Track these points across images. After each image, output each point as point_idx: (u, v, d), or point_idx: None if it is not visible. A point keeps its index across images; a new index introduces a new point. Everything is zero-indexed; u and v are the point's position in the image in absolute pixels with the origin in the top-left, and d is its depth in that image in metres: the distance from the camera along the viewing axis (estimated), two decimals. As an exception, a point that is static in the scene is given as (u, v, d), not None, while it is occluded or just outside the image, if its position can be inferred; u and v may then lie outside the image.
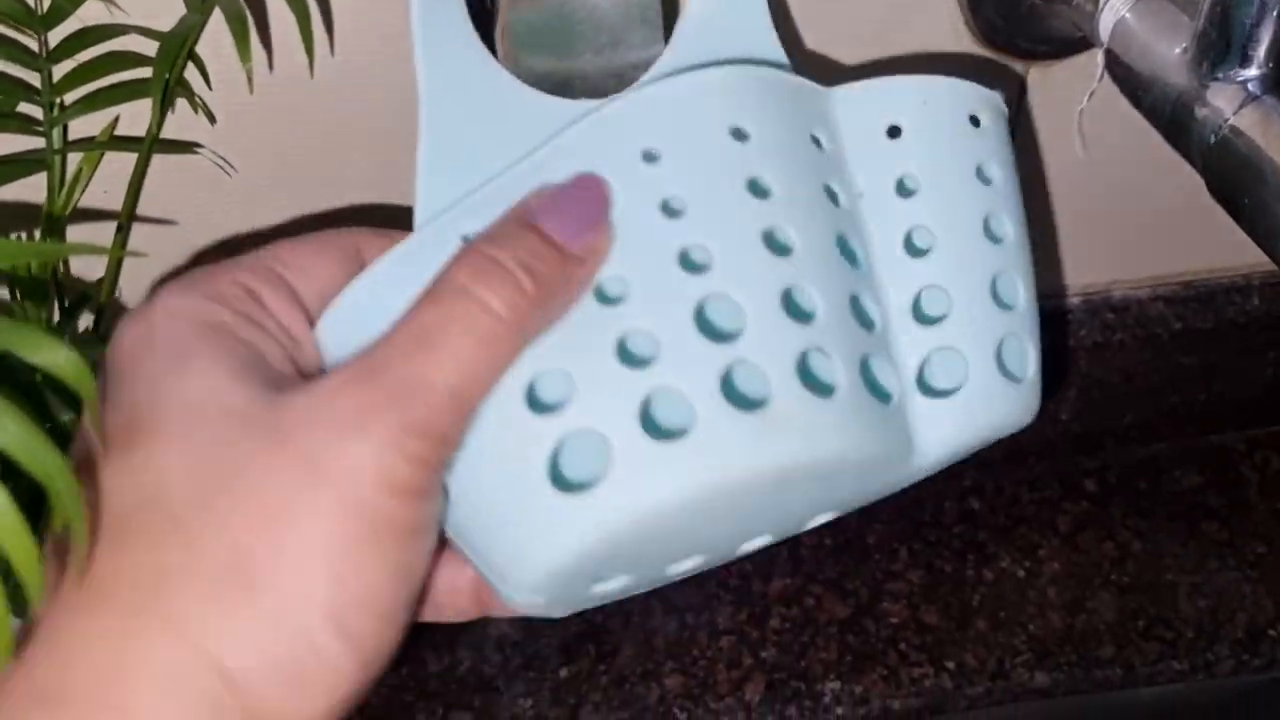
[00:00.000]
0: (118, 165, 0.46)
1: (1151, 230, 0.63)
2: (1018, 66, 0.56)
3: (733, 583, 0.63)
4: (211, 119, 0.48)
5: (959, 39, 0.55)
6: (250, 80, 0.39)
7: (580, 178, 0.32)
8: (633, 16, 0.38)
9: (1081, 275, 0.64)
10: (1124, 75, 0.48)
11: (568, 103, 0.40)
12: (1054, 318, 0.64)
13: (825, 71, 0.53)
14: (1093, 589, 0.63)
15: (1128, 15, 0.48)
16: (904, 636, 0.61)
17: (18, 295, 0.44)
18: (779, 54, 0.38)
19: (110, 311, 0.46)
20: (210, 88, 0.46)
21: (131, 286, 0.50)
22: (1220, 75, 0.43)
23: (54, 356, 0.27)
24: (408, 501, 0.28)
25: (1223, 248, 0.63)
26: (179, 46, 0.39)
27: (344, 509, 0.27)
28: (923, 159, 0.36)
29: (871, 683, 0.59)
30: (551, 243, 0.30)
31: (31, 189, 0.45)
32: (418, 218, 0.37)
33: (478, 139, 0.40)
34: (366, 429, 0.27)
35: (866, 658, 0.60)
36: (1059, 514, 0.66)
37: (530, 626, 0.60)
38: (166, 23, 0.44)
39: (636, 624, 0.61)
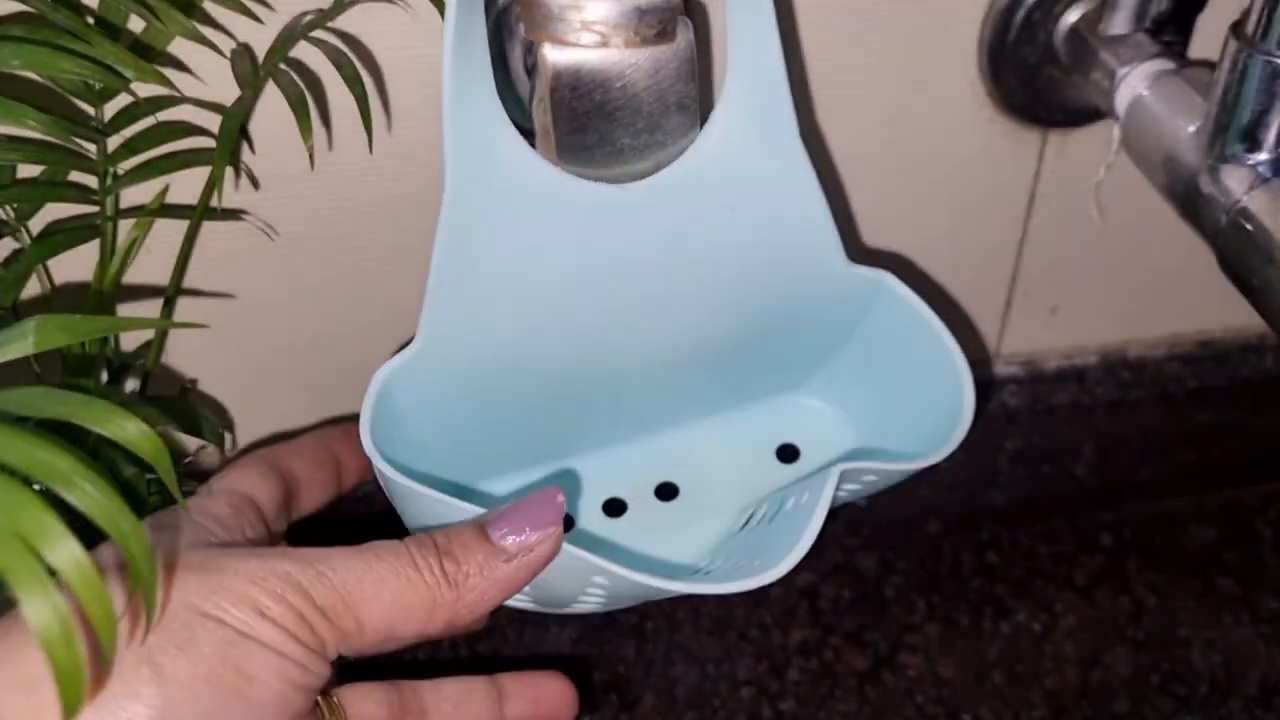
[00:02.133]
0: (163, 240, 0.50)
1: (1167, 290, 0.66)
2: (1035, 134, 0.59)
3: (752, 634, 0.65)
4: (255, 185, 0.51)
5: (979, 107, 0.58)
6: (311, 158, 0.42)
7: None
8: (670, 104, 0.41)
9: (1098, 334, 0.67)
10: (1139, 151, 0.51)
11: (595, 187, 0.44)
12: (1070, 376, 0.67)
13: (842, 141, 0.57)
14: (1108, 644, 0.66)
15: (1145, 93, 0.51)
16: (921, 690, 0.63)
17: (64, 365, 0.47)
18: (797, 147, 0.42)
19: (155, 374, 0.49)
20: (253, 151, 0.50)
21: (178, 349, 0.54)
22: (1231, 157, 0.46)
23: (127, 430, 0.30)
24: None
25: (1237, 308, 0.66)
26: (238, 124, 0.42)
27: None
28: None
29: (889, 735, 0.62)
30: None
31: (78, 263, 0.48)
32: (429, 285, 0.41)
33: (496, 211, 0.43)
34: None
35: (885, 710, 0.63)
36: (1075, 568, 0.69)
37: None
38: (212, 93, 0.47)
39: (658, 674, 0.63)
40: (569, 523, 0.57)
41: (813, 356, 0.57)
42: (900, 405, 0.55)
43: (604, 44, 0.26)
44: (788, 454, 0.59)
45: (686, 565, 0.56)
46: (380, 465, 0.44)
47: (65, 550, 0.24)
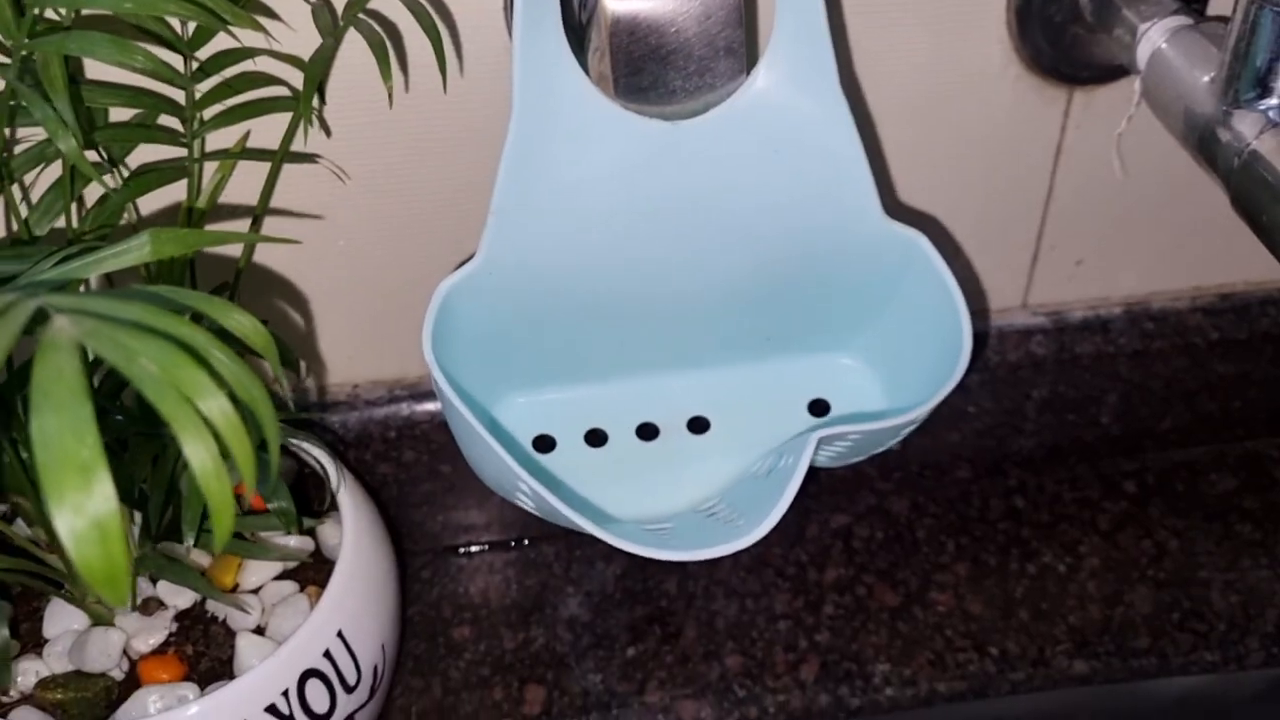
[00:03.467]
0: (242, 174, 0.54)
1: (1190, 244, 0.69)
2: (1062, 92, 0.62)
3: (790, 571, 0.69)
4: (327, 132, 0.55)
5: (1006, 64, 0.61)
6: (390, 97, 0.46)
7: None
8: (719, 48, 0.45)
9: (1122, 286, 0.70)
10: (1158, 101, 0.55)
11: (648, 121, 0.48)
12: (1095, 326, 0.70)
13: (873, 96, 0.60)
14: (1130, 583, 0.69)
15: (1163, 46, 0.55)
16: (950, 624, 0.67)
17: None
18: (838, 95, 0.46)
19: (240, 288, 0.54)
20: (323, 102, 0.54)
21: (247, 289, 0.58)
22: (1243, 103, 0.50)
23: (242, 323, 0.35)
24: None
25: (1258, 262, 0.70)
26: (320, 71, 0.47)
27: None
28: None
29: (919, 666, 0.66)
30: None
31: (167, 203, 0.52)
32: (493, 205, 0.45)
33: (556, 140, 0.48)
34: None
35: (915, 643, 0.67)
36: (1099, 513, 0.73)
37: (599, 609, 0.67)
38: (293, 39, 0.51)
39: (699, 607, 0.68)
40: (602, 437, 0.61)
41: (850, 316, 0.60)
42: (919, 368, 0.58)
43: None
44: (819, 408, 0.63)
45: (695, 499, 0.60)
46: (437, 376, 0.48)
47: (215, 401, 0.28)
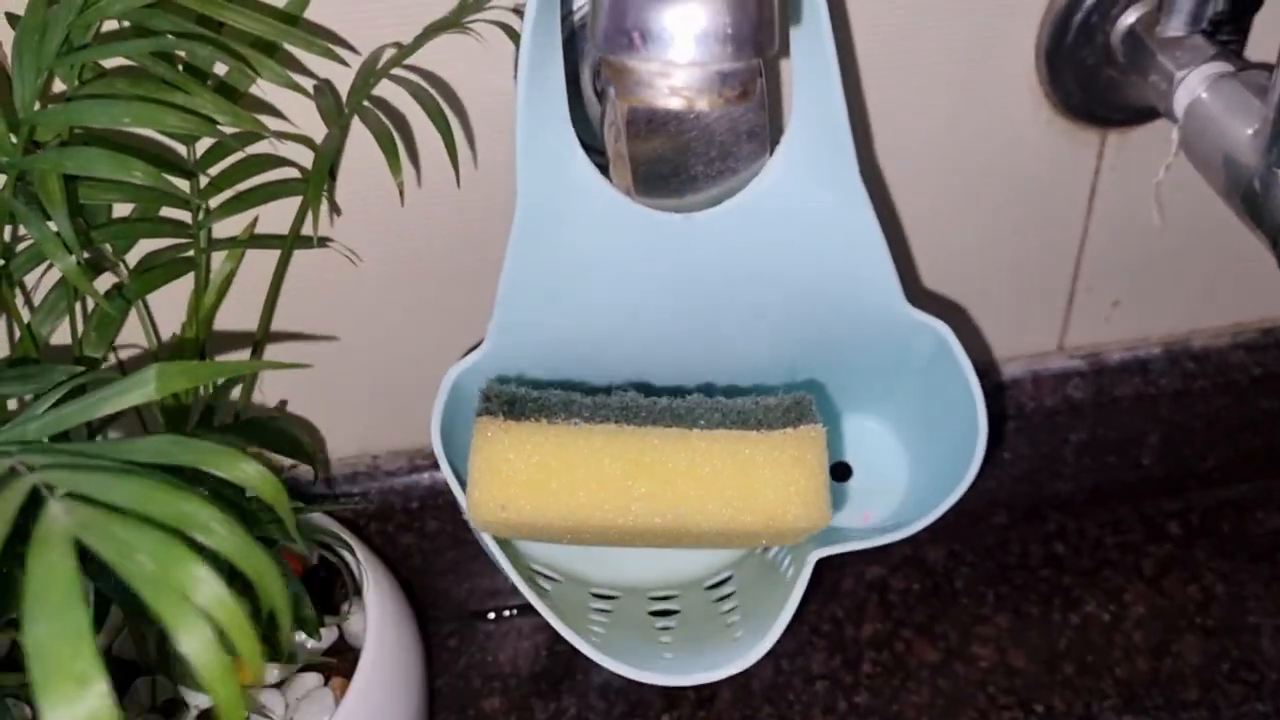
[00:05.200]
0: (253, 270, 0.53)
1: (1230, 280, 0.68)
2: (1094, 134, 0.61)
3: (824, 628, 0.68)
4: (337, 211, 0.54)
5: (1037, 108, 0.60)
6: (401, 193, 0.45)
7: None
8: (741, 132, 0.43)
9: (1161, 325, 0.69)
10: (1198, 153, 0.53)
11: (654, 213, 0.47)
12: (1134, 368, 0.68)
13: (902, 140, 0.59)
14: (1178, 632, 0.68)
15: (1203, 96, 0.53)
16: (993, 680, 0.66)
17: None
18: (857, 186, 0.44)
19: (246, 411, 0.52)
20: (334, 182, 0.53)
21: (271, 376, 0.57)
22: (1290, 161, 0.48)
23: (249, 474, 0.33)
24: None
25: (1301, 295, 0.68)
26: (329, 160, 0.45)
27: None
28: None
29: (962, 726, 0.64)
30: None
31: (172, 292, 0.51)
32: (498, 294, 0.44)
33: (562, 230, 0.47)
34: None
35: (958, 701, 0.65)
36: (1143, 557, 0.71)
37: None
38: (298, 130, 0.50)
39: (734, 671, 0.66)
40: None
41: (872, 392, 0.59)
42: (943, 441, 0.57)
43: (690, 106, 0.29)
44: (841, 472, 0.61)
45: (709, 568, 0.60)
46: (445, 468, 0.48)
47: (214, 594, 0.27)
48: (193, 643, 0.27)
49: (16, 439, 0.34)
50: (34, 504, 0.28)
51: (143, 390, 0.35)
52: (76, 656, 0.25)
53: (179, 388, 0.35)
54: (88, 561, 0.28)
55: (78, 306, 0.48)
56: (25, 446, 0.32)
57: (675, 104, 0.28)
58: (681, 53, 0.28)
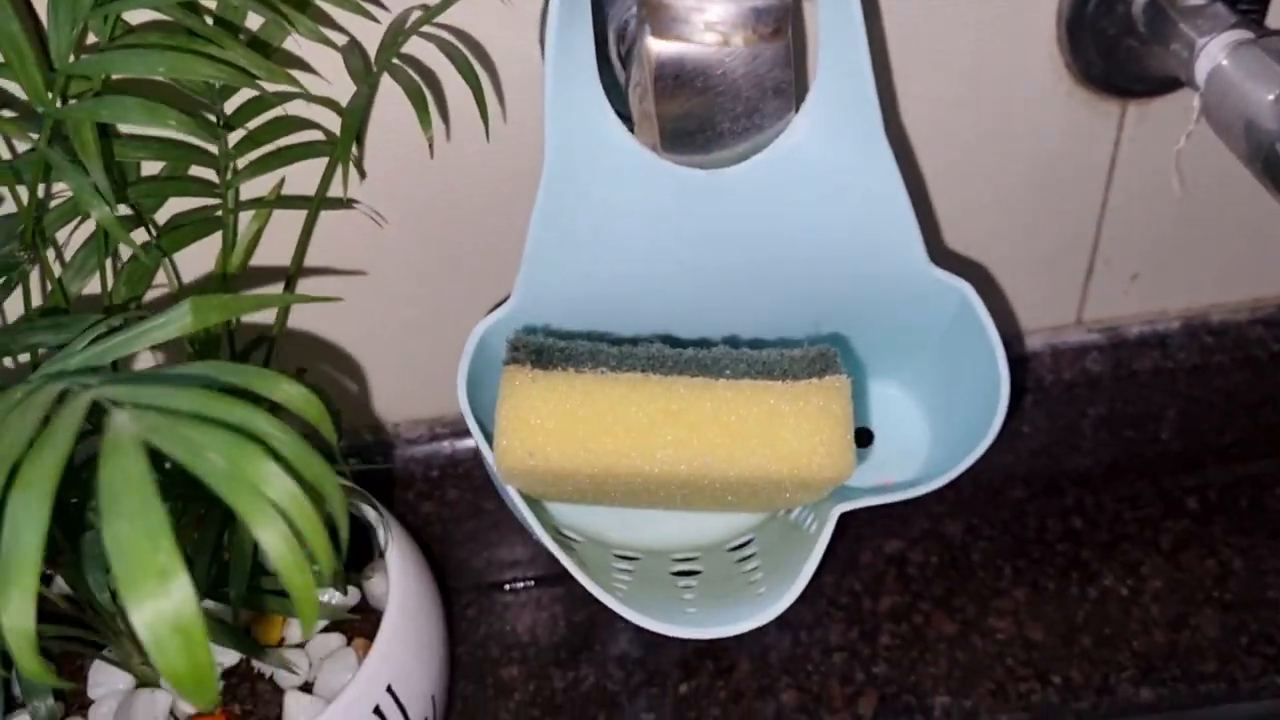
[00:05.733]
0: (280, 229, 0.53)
1: (1250, 254, 0.68)
2: (1114, 105, 0.61)
3: (843, 600, 0.68)
4: (363, 174, 0.54)
5: (1058, 79, 0.60)
6: (431, 147, 0.46)
7: None
8: (767, 88, 0.44)
9: (1180, 299, 0.69)
10: (1219, 120, 0.54)
11: (681, 170, 0.47)
12: (1153, 341, 0.69)
13: (921, 111, 0.59)
14: (1195, 605, 0.68)
15: (1224, 62, 0.53)
16: (1011, 652, 0.66)
17: (192, 347, 0.51)
18: (882, 144, 0.45)
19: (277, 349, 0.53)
20: (362, 144, 0.53)
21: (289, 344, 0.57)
22: (1311, 124, 0.49)
23: (292, 394, 0.34)
24: None
25: (1320, 270, 0.69)
26: (358, 119, 0.46)
27: None
28: None
29: (981, 697, 0.65)
30: None
31: (201, 252, 0.52)
32: (526, 251, 0.45)
33: (589, 188, 0.47)
34: None
35: (975, 673, 0.66)
36: (1161, 532, 0.71)
37: (651, 644, 0.66)
38: (326, 88, 0.51)
39: (752, 641, 0.67)
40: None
41: (894, 353, 0.59)
42: (964, 408, 0.57)
43: (725, 43, 0.29)
44: (862, 438, 0.62)
45: (732, 530, 0.60)
46: (471, 422, 0.48)
47: (285, 489, 0.28)
48: (268, 534, 0.28)
49: (60, 370, 0.34)
50: (95, 419, 0.29)
51: (180, 323, 0.35)
52: (157, 551, 0.26)
53: (215, 320, 0.35)
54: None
55: (108, 264, 0.49)
56: (73, 376, 0.33)
57: (710, 39, 0.29)
58: (717, -13, 0.29)
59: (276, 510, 0.28)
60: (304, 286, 0.56)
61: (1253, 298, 0.70)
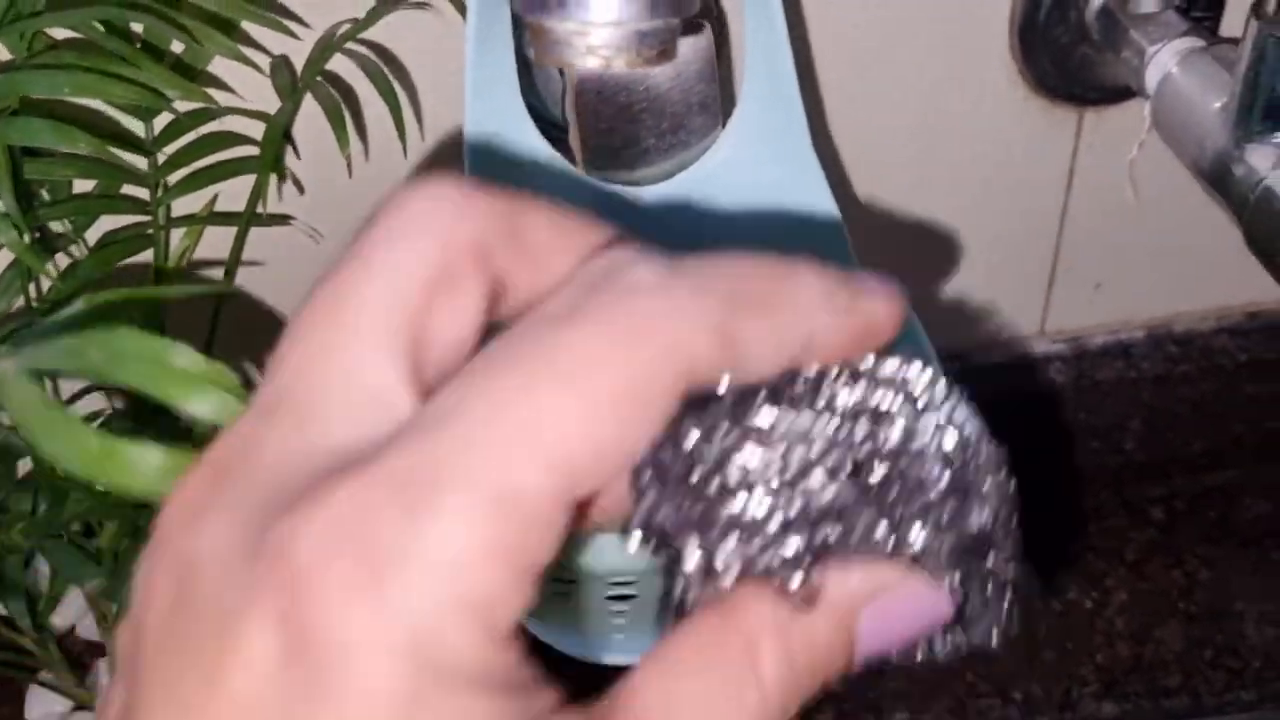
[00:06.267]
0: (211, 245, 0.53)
1: (1214, 262, 0.67)
2: (1071, 113, 0.60)
3: (802, 615, 0.68)
4: (300, 189, 0.54)
5: (1012, 87, 0.59)
6: (349, 165, 0.45)
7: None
8: (692, 103, 0.43)
9: (1144, 308, 0.68)
10: (1168, 128, 0.53)
11: (607, 186, 0.47)
12: (1116, 351, 0.68)
13: (873, 120, 0.59)
14: (1160, 618, 0.67)
15: (1174, 70, 0.53)
16: (971, 667, 0.66)
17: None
18: (810, 157, 0.44)
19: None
20: (299, 157, 0.53)
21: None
22: (1256, 135, 0.48)
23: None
24: None
25: (1286, 278, 0.68)
26: (279, 133, 0.45)
27: None
28: None
29: (939, 714, 0.64)
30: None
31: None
32: None
33: None
34: None
35: (934, 688, 0.65)
36: (1125, 543, 0.71)
37: (595, 667, 0.66)
38: (256, 106, 0.50)
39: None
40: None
41: None
42: None
43: (608, 65, 0.29)
44: None
45: None
46: None
47: (189, 356, 0.26)
48: (198, 402, 0.26)
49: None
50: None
51: (72, 314, 0.35)
52: (89, 434, 0.25)
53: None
54: None
55: (31, 287, 0.48)
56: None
57: (592, 63, 0.28)
58: (598, 12, 0.28)
59: (185, 374, 0.26)
60: (240, 303, 0.56)
61: (1217, 306, 0.69)
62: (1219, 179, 0.50)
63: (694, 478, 0.22)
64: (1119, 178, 0.63)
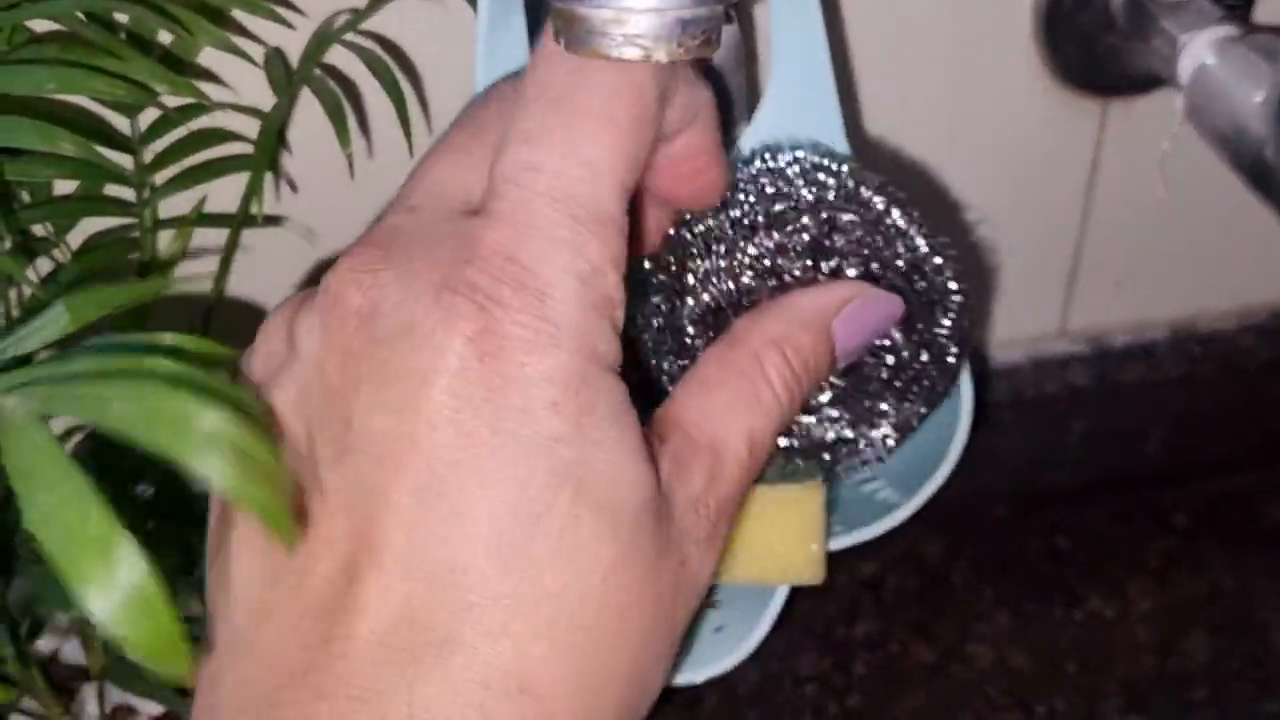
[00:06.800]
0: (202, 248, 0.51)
1: (1238, 260, 0.66)
2: (1095, 104, 0.59)
3: (816, 627, 0.66)
4: (294, 188, 0.52)
5: (1035, 79, 0.57)
6: (351, 165, 0.43)
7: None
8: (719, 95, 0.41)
9: (1166, 307, 0.66)
10: (1204, 122, 0.51)
11: None
12: (1138, 352, 0.66)
13: (891, 111, 0.57)
14: (1184, 628, 0.66)
15: (1209, 61, 0.51)
16: (992, 681, 0.64)
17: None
18: (842, 139, 0.42)
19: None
20: (290, 154, 0.50)
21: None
22: (1302, 128, 0.46)
23: (179, 339, 0.31)
24: None
25: (1313, 275, 0.66)
26: (274, 132, 0.43)
27: None
28: None
29: (959, 729, 0.62)
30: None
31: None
32: None
33: None
34: None
35: (954, 704, 0.63)
36: (1148, 550, 0.69)
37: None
38: (248, 100, 0.48)
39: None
40: None
41: None
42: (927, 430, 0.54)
43: (648, 57, 0.26)
44: None
45: None
46: None
47: (214, 415, 0.24)
48: (208, 461, 0.24)
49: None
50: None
51: (58, 324, 0.32)
52: (87, 520, 0.23)
53: (92, 316, 0.32)
54: None
55: (13, 293, 0.46)
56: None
57: (631, 54, 0.26)
58: (637, -3, 0.26)
59: (209, 437, 0.25)
60: (230, 308, 0.54)
61: (1242, 305, 0.67)
62: (1259, 173, 0.48)
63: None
64: (1144, 171, 0.61)
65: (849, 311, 0.34)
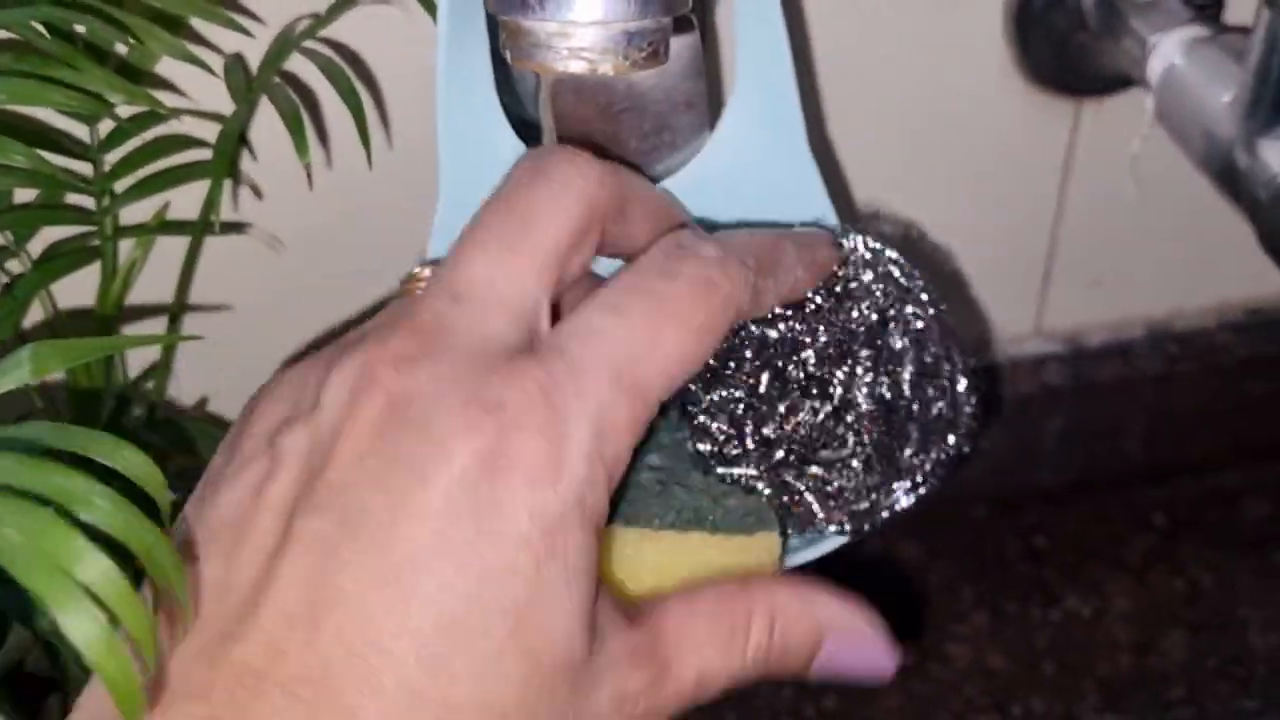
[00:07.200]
0: (164, 255, 0.50)
1: (1214, 257, 0.66)
2: (1068, 104, 0.58)
3: (792, 630, 0.66)
4: (258, 195, 0.51)
5: (1007, 77, 0.57)
6: (309, 175, 0.43)
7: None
8: (677, 102, 0.41)
9: (1142, 306, 0.66)
10: (1173, 122, 0.51)
11: None
12: (1115, 351, 0.66)
13: (861, 111, 0.56)
14: (1162, 627, 0.66)
15: (1178, 61, 0.51)
16: (970, 681, 0.64)
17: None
18: (807, 160, 0.42)
19: (162, 405, 0.50)
20: (255, 159, 0.50)
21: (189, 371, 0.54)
22: (1268, 130, 0.46)
23: (132, 461, 0.31)
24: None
25: (1289, 273, 0.66)
26: (234, 139, 0.43)
27: None
28: None
29: (936, 730, 0.62)
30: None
31: (82, 286, 0.48)
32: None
33: None
34: None
35: (932, 705, 0.63)
36: (1126, 549, 0.69)
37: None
38: (213, 101, 0.48)
39: (695, 676, 0.64)
40: None
41: None
42: None
43: (593, 70, 0.26)
44: None
45: None
46: None
47: (96, 567, 0.25)
48: (75, 621, 0.24)
49: None
50: None
51: (17, 373, 0.32)
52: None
53: (56, 368, 0.32)
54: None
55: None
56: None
57: (576, 68, 0.26)
58: (582, 10, 0.26)
59: (87, 593, 0.25)
60: (196, 318, 0.53)
61: (1218, 303, 0.67)
62: (1228, 175, 0.48)
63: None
64: (1117, 171, 0.61)
65: (847, 638, 0.36)
